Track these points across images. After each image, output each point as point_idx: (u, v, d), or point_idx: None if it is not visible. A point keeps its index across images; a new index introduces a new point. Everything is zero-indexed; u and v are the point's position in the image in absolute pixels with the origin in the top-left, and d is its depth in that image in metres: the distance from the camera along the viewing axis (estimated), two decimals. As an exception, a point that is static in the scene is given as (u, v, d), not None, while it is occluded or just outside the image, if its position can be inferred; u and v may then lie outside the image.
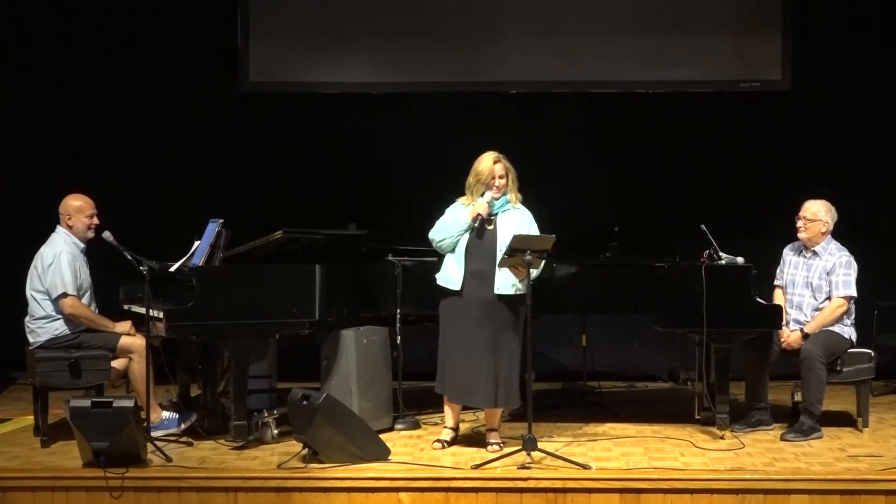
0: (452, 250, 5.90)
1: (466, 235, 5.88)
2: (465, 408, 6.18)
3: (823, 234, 6.38)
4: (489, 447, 5.88)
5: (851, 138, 8.15)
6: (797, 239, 6.45)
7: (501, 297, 5.81)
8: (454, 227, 5.89)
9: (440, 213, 6.03)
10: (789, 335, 6.28)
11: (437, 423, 6.42)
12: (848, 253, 6.34)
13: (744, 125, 8.32)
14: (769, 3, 8.39)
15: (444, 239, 5.90)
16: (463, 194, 6.00)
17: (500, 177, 5.90)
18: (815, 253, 6.39)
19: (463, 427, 6.31)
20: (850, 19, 8.20)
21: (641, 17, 8.40)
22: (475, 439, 6.12)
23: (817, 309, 6.32)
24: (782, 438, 6.07)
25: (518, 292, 5.80)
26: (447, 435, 6.04)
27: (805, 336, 6.24)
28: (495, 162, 5.91)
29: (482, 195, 5.90)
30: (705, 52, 8.40)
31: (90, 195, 6.34)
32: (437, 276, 5.96)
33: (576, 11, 8.43)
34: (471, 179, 5.94)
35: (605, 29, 8.41)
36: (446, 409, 6.06)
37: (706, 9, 8.41)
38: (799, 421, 6.16)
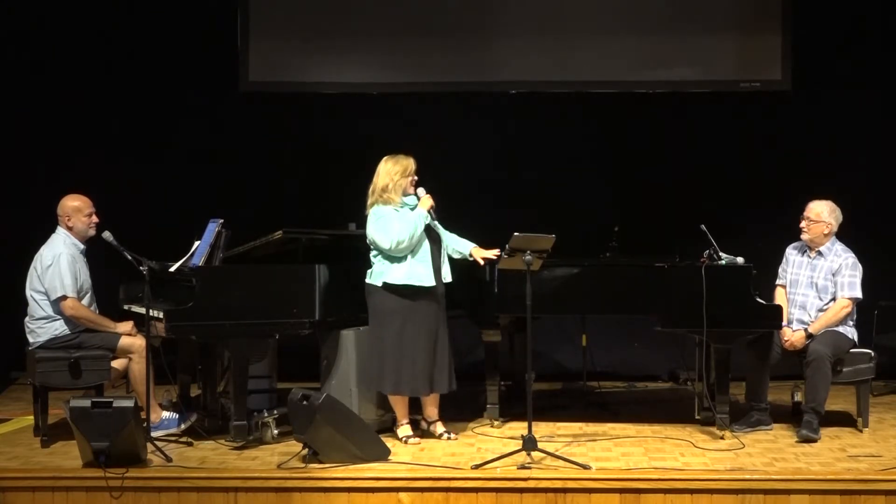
0: (413, 250, 5.93)
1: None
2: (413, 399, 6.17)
3: (826, 235, 6.35)
4: (446, 437, 6.06)
5: (851, 138, 8.15)
6: (800, 239, 6.45)
7: (444, 285, 6.06)
8: (419, 223, 5.94)
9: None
10: (792, 335, 6.26)
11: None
12: (853, 254, 6.32)
13: (744, 125, 8.32)
14: (769, 3, 8.38)
15: (412, 237, 5.90)
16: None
17: (415, 171, 6.05)
18: (819, 253, 6.36)
19: (461, 427, 6.32)
20: (850, 19, 8.20)
21: (641, 17, 8.39)
22: (474, 438, 6.12)
23: (822, 309, 6.30)
24: (799, 436, 5.99)
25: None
26: (410, 430, 6.08)
27: (809, 336, 6.22)
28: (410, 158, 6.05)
29: (407, 192, 6.02)
30: (705, 52, 8.40)
31: (90, 195, 6.34)
32: (395, 278, 5.91)
33: (575, 11, 8.43)
34: (394, 179, 5.98)
35: (605, 29, 8.40)
36: (399, 406, 6.08)
37: (706, 9, 8.40)
38: (805, 420, 6.09)
